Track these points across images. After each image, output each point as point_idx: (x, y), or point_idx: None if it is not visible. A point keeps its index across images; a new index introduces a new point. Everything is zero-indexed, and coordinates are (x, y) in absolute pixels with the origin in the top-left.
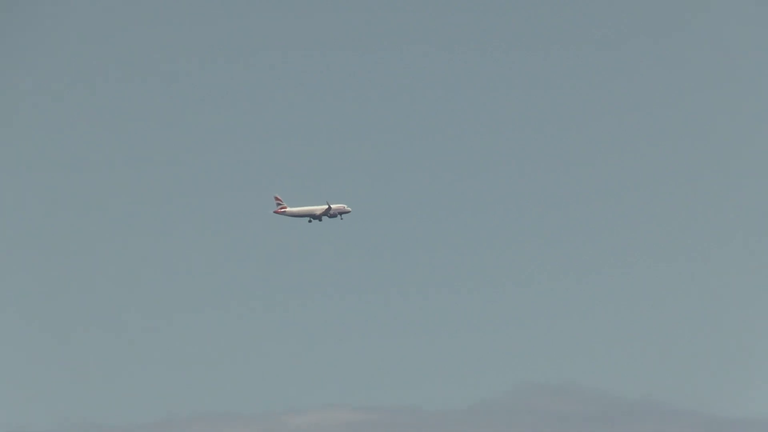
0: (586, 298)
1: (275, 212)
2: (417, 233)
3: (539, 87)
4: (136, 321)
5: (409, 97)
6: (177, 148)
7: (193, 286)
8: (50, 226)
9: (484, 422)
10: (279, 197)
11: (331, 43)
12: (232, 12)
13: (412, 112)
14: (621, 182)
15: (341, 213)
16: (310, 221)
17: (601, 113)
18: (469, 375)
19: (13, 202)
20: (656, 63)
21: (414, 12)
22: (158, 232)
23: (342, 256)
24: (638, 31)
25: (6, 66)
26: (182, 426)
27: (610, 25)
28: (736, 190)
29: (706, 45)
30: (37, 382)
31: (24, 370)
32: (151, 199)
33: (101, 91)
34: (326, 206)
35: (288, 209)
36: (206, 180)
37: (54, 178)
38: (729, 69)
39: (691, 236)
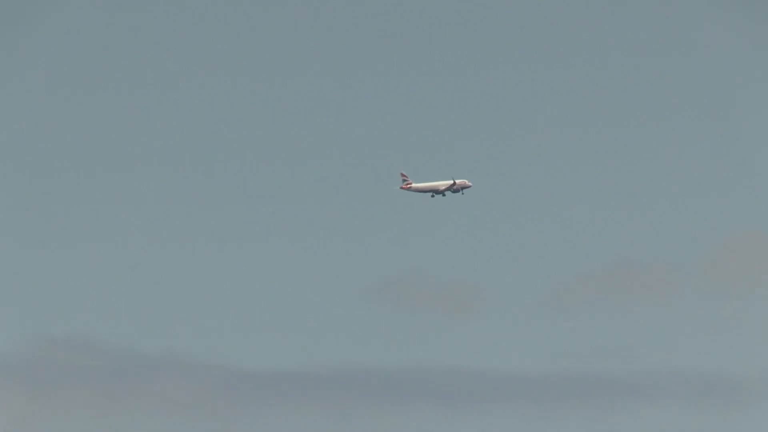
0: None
1: (401, 188)
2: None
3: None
4: None
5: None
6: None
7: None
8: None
9: None
10: (405, 173)
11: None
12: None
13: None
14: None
15: (463, 188)
16: (432, 196)
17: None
18: None
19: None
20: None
21: None
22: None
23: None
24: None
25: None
26: None
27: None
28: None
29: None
30: None
31: None
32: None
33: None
34: (451, 182)
35: (413, 185)
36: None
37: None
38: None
39: None
